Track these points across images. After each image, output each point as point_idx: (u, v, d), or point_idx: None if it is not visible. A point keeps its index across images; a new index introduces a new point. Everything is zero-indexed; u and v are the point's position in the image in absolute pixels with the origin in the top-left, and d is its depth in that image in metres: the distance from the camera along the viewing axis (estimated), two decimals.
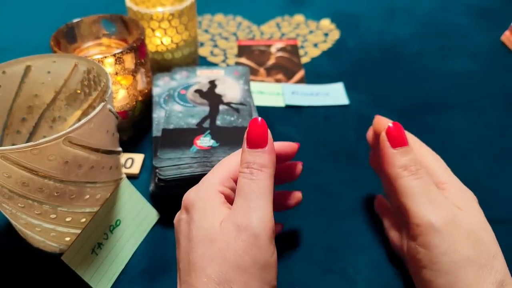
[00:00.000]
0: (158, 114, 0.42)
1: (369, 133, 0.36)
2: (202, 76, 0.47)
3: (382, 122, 0.33)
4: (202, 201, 0.26)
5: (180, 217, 0.28)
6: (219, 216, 0.25)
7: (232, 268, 0.23)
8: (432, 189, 0.28)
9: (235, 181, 0.28)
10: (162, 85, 0.46)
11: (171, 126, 0.40)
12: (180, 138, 0.38)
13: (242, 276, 0.23)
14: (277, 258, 0.25)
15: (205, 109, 0.42)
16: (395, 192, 0.29)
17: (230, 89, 0.45)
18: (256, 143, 0.27)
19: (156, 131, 0.40)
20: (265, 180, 0.26)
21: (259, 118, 0.28)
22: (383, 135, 0.30)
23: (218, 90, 0.45)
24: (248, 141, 0.27)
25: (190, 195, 0.27)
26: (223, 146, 0.37)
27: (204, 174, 0.35)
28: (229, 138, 0.38)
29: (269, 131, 0.27)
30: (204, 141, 0.38)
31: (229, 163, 0.29)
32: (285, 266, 0.34)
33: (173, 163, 0.36)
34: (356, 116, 0.50)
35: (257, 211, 0.24)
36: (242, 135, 0.38)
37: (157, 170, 0.36)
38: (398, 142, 0.29)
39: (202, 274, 0.24)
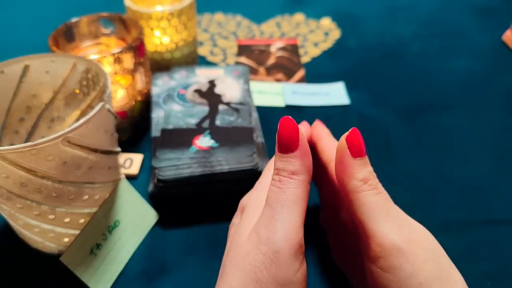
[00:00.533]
0: (157, 114, 0.42)
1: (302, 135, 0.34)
2: (201, 76, 0.47)
3: (321, 129, 0.31)
4: (252, 205, 0.25)
5: (233, 220, 0.27)
6: None
7: (251, 281, 0.22)
8: (391, 205, 0.25)
9: None
10: (161, 84, 0.46)
11: (170, 126, 0.40)
12: (179, 138, 0.38)
13: None
14: (305, 274, 0.23)
15: (205, 109, 0.42)
16: (350, 206, 0.26)
17: (229, 89, 0.45)
18: (286, 147, 0.24)
19: (155, 131, 0.40)
20: (295, 188, 0.23)
21: (288, 117, 0.24)
22: (343, 142, 0.26)
23: (217, 90, 0.44)
24: (279, 144, 0.24)
25: (244, 199, 0.26)
26: (223, 146, 0.37)
27: (204, 175, 0.35)
28: (228, 138, 0.38)
29: (301, 131, 0.24)
30: (204, 141, 0.38)
31: None
32: None
33: (172, 164, 0.36)
34: (357, 116, 0.50)
35: (281, 223, 0.22)
36: (242, 135, 0.38)
37: (156, 171, 0.36)
38: (358, 151, 0.26)
39: (225, 281, 0.23)
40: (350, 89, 0.54)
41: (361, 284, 0.28)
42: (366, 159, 0.26)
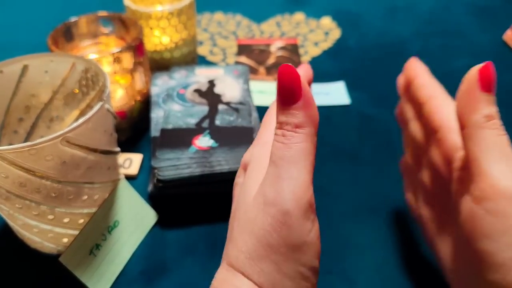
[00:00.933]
0: (157, 114, 0.42)
1: (400, 80, 0.33)
2: (201, 76, 0.47)
3: (416, 67, 0.30)
4: (255, 163, 0.23)
5: (236, 180, 0.25)
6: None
7: (262, 245, 0.20)
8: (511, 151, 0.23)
9: None
10: (160, 84, 0.46)
11: (170, 126, 0.39)
12: (179, 138, 0.38)
13: (272, 255, 0.20)
14: (319, 234, 0.21)
15: (204, 109, 0.41)
16: (467, 141, 0.24)
17: (229, 88, 0.44)
18: (288, 98, 0.21)
19: (155, 131, 0.40)
20: (301, 143, 0.21)
21: (288, 65, 0.21)
22: (474, 74, 0.25)
23: (217, 90, 0.44)
24: (279, 96, 0.22)
25: (246, 155, 0.24)
26: (223, 146, 0.37)
27: (204, 175, 0.35)
28: (228, 138, 0.38)
29: (302, 78, 0.22)
30: (203, 141, 0.38)
31: None
32: None
33: (172, 164, 0.36)
34: (357, 115, 0.50)
35: (288, 182, 0.20)
36: (242, 135, 0.38)
37: (155, 171, 0.36)
38: (488, 86, 0.25)
39: (235, 247, 0.21)
40: (351, 89, 0.54)
41: (440, 227, 0.28)
42: (493, 97, 0.25)
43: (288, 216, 0.20)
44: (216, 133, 0.38)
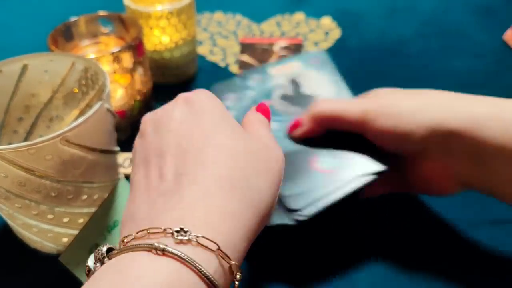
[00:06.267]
0: None
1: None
2: (278, 76, 0.39)
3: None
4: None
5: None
6: None
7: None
8: None
9: None
10: (234, 103, 0.37)
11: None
12: (295, 164, 0.32)
13: None
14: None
15: None
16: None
17: (318, 85, 0.37)
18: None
19: None
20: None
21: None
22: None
23: (305, 90, 0.37)
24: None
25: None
26: (343, 162, 0.32)
27: (342, 198, 0.31)
28: (346, 150, 0.33)
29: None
30: (324, 161, 0.32)
31: None
32: (286, 269, 0.33)
33: (309, 199, 0.31)
34: None
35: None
36: (353, 139, 0.33)
37: (293, 213, 0.30)
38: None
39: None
40: (351, 89, 0.54)
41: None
42: None
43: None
44: (331, 148, 0.33)
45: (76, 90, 0.35)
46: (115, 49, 0.39)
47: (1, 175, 0.26)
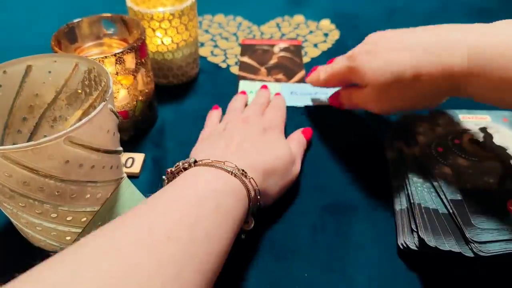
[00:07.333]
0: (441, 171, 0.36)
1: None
2: (467, 122, 0.42)
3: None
4: None
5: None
6: None
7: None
8: None
9: None
10: (424, 131, 0.41)
11: (468, 186, 0.35)
12: (490, 202, 0.33)
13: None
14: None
15: (493, 165, 0.36)
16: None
17: (509, 141, 0.38)
18: None
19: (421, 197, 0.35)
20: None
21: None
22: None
23: (497, 141, 0.39)
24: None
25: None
26: None
27: None
28: None
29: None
30: None
31: None
32: (285, 265, 0.34)
33: (494, 237, 0.30)
34: (356, 115, 0.50)
35: None
36: None
37: (474, 245, 0.30)
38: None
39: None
40: None
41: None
42: None
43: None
44: None
45: (80, 91, 0.36)
46: (118, 50, 0.39)
47: (5, 175, 0.26)
